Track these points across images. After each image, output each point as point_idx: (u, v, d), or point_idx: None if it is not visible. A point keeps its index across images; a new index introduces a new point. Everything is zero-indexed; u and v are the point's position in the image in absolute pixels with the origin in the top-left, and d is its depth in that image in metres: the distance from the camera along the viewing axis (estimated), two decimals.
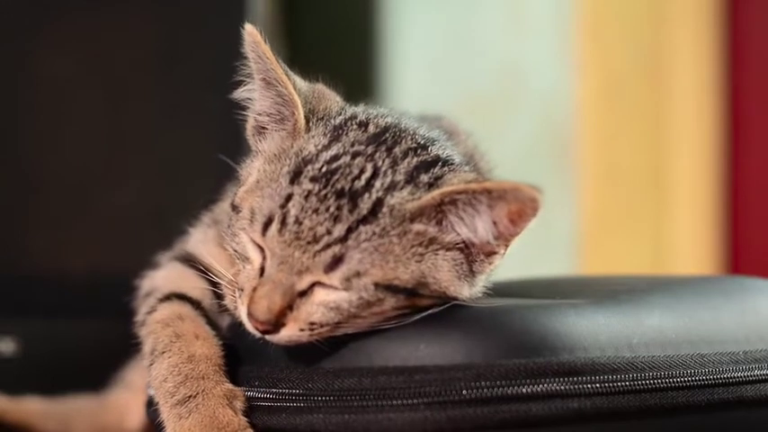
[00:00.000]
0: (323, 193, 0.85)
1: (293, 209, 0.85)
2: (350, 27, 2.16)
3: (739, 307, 0.99)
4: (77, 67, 1.58)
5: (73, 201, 1.58)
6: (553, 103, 2.14)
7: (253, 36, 0.91)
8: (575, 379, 0.85)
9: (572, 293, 0.96)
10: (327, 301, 0.85)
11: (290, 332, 0.85)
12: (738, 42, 2.26)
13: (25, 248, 1.58)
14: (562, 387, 0.84)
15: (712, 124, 2.25)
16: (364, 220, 0.84)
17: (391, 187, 0.86)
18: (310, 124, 0.91)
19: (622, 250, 2.17)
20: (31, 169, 1.58)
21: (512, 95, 2.14)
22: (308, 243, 0.84)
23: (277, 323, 0.85)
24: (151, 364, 0.92)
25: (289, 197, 0.86)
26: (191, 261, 1.00)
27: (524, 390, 0.84)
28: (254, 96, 0.94)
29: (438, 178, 0.87)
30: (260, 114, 0.93)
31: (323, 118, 0.92)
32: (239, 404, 0.88)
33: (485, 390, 0.83)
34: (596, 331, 0.88)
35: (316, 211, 0.84)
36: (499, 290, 0.94)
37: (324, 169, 0.86)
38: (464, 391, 0.83)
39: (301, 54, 1.80)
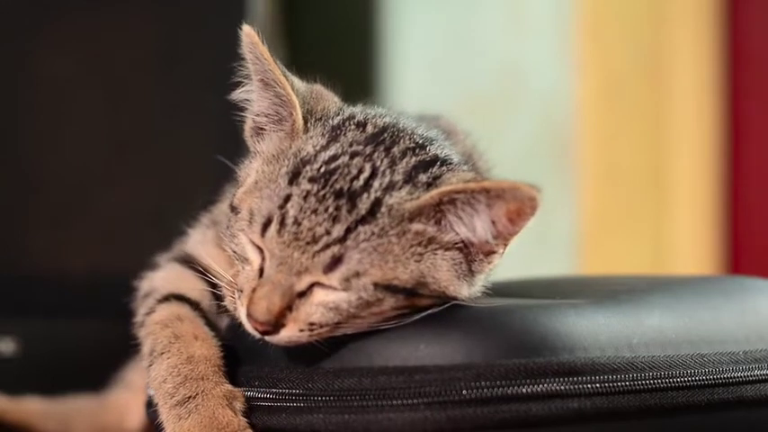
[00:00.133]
0: (321, 193, 0.85)
1: (292, 209, 0.85)
2: (350, 27, 2.15)
3: (739, 307, 0.99)
4: (77, 67, 1.58)
5: (73, 201, 1.58)
6: (553, 103, 2.14)
7: (250, 37, 0.90)
8: (575, 379, 0.85)
9: (572, 293, 0.96)
10: (327, 302, 0.85)
11: (289, 333, 0.85)
12: (738, 42, 2.26)
13: (25, 248, 1.58)
14: (562, 387, 0.84)
15: (712, 124, 2.25)
16: (363, 221, 0.84)
17: (390, 187, 0.86)
18: (308, 125, 0.91)
19: (622, 250, 2.17)
20: (31, 169, 1.58)
21: (512, 95, 2.14)
22: (307, 244, 0.84)
23: (276, 324, 0.85)
24: (150, 365, 0.92)
25: (287, 198, 0.86)
26: (189, 262, 1.00)
27: (524, 390, 0.84)
28: (252, 97, 0.93)
29: (436, 178, 0.87)
30: (258, 115, 0.93)
31: (321, 118, 0.92)
32: (239, 405, 0.88)
33: (485, 390, 0.83)
34: (596, 331, 0.88)
35: (314, 211, 0.84)
36: (499, 290, 0.94)
37: (322, 170, 0.86)
38: (464, 391, 0.83)
39: (301, 54, 1.81)
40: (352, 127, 0.91)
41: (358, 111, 0.94)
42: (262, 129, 0.93)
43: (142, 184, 1.59)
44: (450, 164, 0.90)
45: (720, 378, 0.91)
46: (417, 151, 0.89)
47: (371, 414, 0.84)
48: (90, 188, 1.58)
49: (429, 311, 0.86)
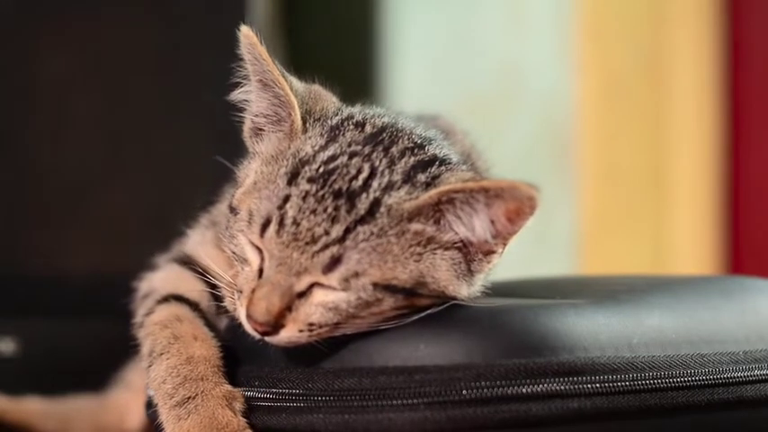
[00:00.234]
0: (320, 193, 0.85)
1: (291, 210, 0.85)
2: (350, 27, 2.15)
3: (739, 307, 0.99)
4: (77, 67, 1.58)
5: (73, 201, 1.58)
6: (553, 103, 2.14)
7: (249, 38, 0.90)
8: (575, 379, 0.85)
9: (572, 293, 0.96)
10: (326, 302, 0.85)
11: (289, 333, 0.85)
12: (738, 42, 2.26)
13: (25, 248, 1.58)
14: (562, 387, 0.84)
15: (712, 124, 2.25)
16: (362, 221, 0.84)
17: (389, 187, 0.86)
18: (307, 125, 0.91)
19: (622, 250, 2.17)
20: (30, 169, 1.58)
21: (512, 95, 2.14)
22: (306, 244, 0.84)
23: (276, 324, 0.85)
24: (150, 366, 0.92)
25: (286, 198, 0.86)
26: (189, 263, 1.00)
27: (524, 390, 0.84)
28: (250, 98, 0.93)
29: (435, 177, 0.87)
30: (257, 116, 0.93)
31: (320, 119, 0.92)
32: (238, 405, 0.88)
33: (485, 390, 0.83)
34: (596, 331, 0.88)
35: (313, 211, 0.84)
36: (499, 290, 0.94)
37: (321, 170, 0.86)
38: (464, 391, 0.83)
39: (301, 54, 1.81)
40: (351, 127, 0.91)
41: (356, 111, 0.94)
42: (260, 129, 0.93)
43: (142, 185, 1.59)
44: (449, 163, 0.90)
45: (720, 378, 0.91)
46: (416, 151, 0.89)
47: (371, 414, 0.84)
48: (90, 188, 1.58)
49: (429, 311, 0.86)
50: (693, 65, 2.22)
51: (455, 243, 0.87)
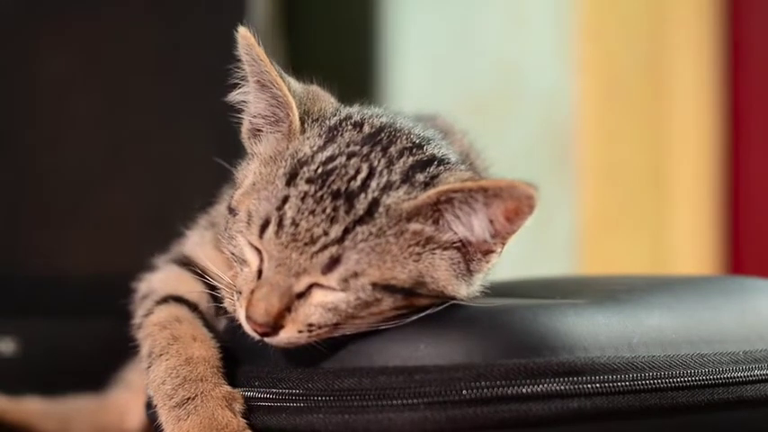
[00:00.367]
0: (319, 194, 0.85)
1: (290, 211, 0.85)
2: (350, 26, 2.15)
3: (739, 307, 0.99)
4: (77, 67, 1.58)
5: (73, 201, 1.58)
6: (553, 103, 2.14)
7: (246, 39, 0.90)
8: (575, 379, 0.85)
9: (572, 293, 0.96)
10: (325, 303, 0.85)
11: (288, 334, 0.85)
12: (738, 42, 2.26)
13: (25, 248, 1.58)
14: (562, 387, 0.84)
15: (712, 124, 2.25)
16: (361, 221, 0.84)
17: (387, 187, 0.86)
18: (305, 126, 0.91)
19: (622, 250, 2.17)
20: (30, 169, 1.58)
21: (512, 95, 2.14)
22: (305, 245, 0.84)
23: (275, 325, 0.85)
24: (149, 367, 0.92)
25: (285, 199, 0.85)
26: (188, 264, 1.00)
27: (524, 390, 0.84)
28: (248, 99, 0.93)
29: (434, 177, 0.87)
30: (255, 117, 0.93)
31: (318, 119, 0.92)
32: (238, 406, 0.88)
33: (485, 390, 0.83)
34: (596, 331, 0.88)
35: (312, 212, 0.84)
36: (499, 290, 0.94)
37: (319, 170, 0.86)
38: (464, 391, 0.83)
39: (301, 54, 1.81)
40: (349, 127, 0.91)
41: (355, 111, 0.94)
42: (259, 130, 0.93)
43: (142, 185, 1.59)
44: (448, 163, 0.90)
45: (720, 378, 0.91)
46: (414, 151, 0.89)
47: (371, 414, 0.84)
48: (90, 188, 1.58)
49: (428, 311, 0.86)
50: (693, 65, 2.22)
51: (454, 243, 0.87)
